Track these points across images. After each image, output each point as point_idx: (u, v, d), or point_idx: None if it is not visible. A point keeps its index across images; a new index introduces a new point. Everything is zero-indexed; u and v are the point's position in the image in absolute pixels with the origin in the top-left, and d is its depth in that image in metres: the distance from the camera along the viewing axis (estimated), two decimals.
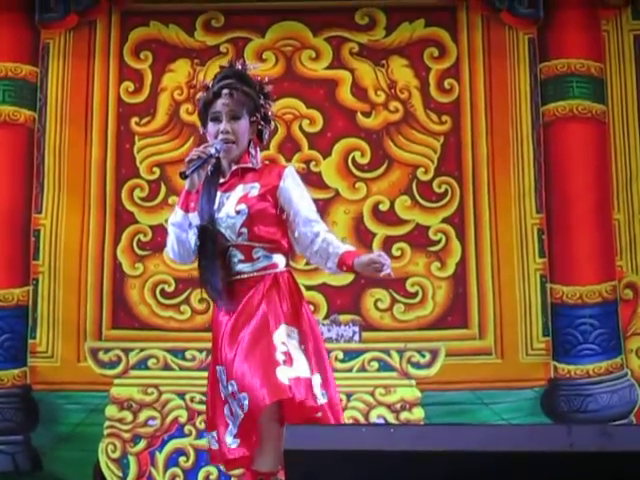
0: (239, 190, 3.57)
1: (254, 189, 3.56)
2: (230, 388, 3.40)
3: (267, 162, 3.89)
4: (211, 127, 3.60)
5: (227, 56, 5.78)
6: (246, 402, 3.33)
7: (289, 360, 3.38)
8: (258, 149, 3.71)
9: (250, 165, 3.62)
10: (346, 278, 5.60)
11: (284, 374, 3.33)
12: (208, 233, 3.52)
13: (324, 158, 5.77)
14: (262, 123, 3.67)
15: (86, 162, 5.73)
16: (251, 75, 3.69)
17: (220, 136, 3.56)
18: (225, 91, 3.58)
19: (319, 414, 3.38)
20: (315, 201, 5.43)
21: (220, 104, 3.58)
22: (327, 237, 3.55)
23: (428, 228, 5.70)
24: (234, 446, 3.40)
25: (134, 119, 5.81)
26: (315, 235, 3.55)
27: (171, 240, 3.60)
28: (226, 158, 3.60)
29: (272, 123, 3.77)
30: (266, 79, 3.75)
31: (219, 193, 3.57)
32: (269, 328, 3.42)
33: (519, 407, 5.44)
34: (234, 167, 3.61)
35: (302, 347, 3.43)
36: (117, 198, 5.72)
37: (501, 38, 5.80)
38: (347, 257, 3.49)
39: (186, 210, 3.54)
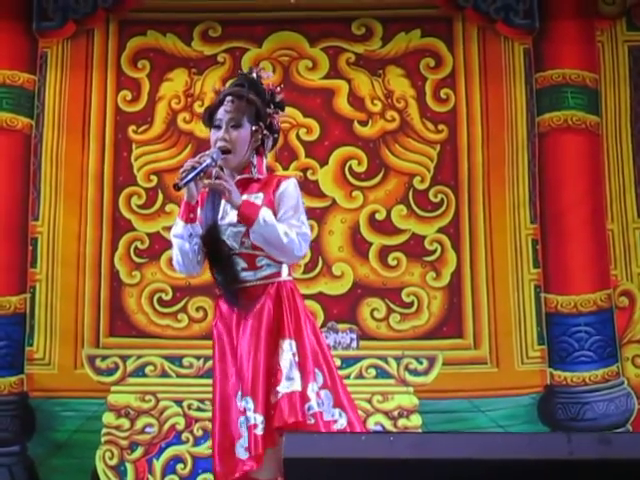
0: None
1: (257, 199, 3.52)
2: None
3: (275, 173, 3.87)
4: (212, 134, 3.58)
5: (224, 66, 5.81)
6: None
7: (277, 380, 3.38)
8: (264, 158, 3.68)
9: (252, 176, 3.59)
10: (343, 287, 5.62)
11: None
12: (212, 241, 3.51)
13: (321, 167, 5.75)
14: (265, 132, 3.63)
15: (83, 169, 5.70)
16: (263, 83, 3.66)
17: (218, 144, 3.53)
18: (228, 98, 3.55)
19: (311, 421, 3.36)
20: (312, 210, 5.53)
21: (222, 111, 3.55)
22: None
23: (424, 238, 5.68)
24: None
25: (131, 127, 5.79)
26: None
27: (175, 252, 3.57)
28: (226, 167, 3.54)
29: (277, 133, 3.72)
30: (278, 89, 3.72)
31: (223, 202, 3.53)
32: (269, 349, 3.43)
33: (516, 414, 5.41)
34: (237, 177, 3.57)
35: (297, 359, 3.41)
36: (114, 205, 5.69)
37: (497, 49, 5.79)
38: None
39: (186, 220, 3.50)
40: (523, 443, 2.41)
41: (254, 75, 3.67)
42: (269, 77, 3.72)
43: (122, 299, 5.62)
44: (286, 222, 3.48)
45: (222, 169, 3.50)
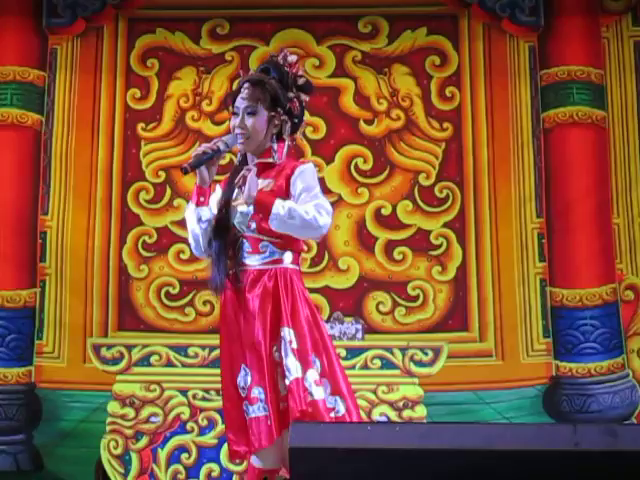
0: None
1: (270, 184, 3.47)
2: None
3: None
4: (232, 120, 3.51)
5: (232, 64, 5.78)
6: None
7: (282, 371, 3.34)
8: (287, 143, 3.56)
9: (271, 160, 3.53)
10: (349, 281, 5.59)
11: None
12: (221, 222, 3.46)
13: (327, 164, 5.71)
14: (284, 117, 3.52)
15: (92, 165, 5.69)
16: (287, 67, 3.55)
17: (235, 131, 3.48)
18: (245, 85, 3.49)
19: (309, 410, 3.30)
20: None
21: (239, 99, 3.49)
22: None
23: (429, 232, 5.64)
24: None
25: (140, 125, 5.77)
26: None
27: (188, 235, 3.55)
28: (245, 151, 3.51)
29: (299, 116, 3.58)
30: (300, 71, 3.59)
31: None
32: (264, 338, 3.37)
33: (521, 405, 5.37)
34: (255, 161, 3.52)
35: (293, 346, 3.34)
36: (123, 200, 5.68)
37: (502, 46, 5.73)
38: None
39: (196, 204, 3.46)
40: (529, 434, 2.38)
41: (279, 59, 3.58)
42: (293, 60, 3.64)
43: (130, 293, 5.60)
44: (302, 201, 3.40)
45: (245, 155, 3.50)
